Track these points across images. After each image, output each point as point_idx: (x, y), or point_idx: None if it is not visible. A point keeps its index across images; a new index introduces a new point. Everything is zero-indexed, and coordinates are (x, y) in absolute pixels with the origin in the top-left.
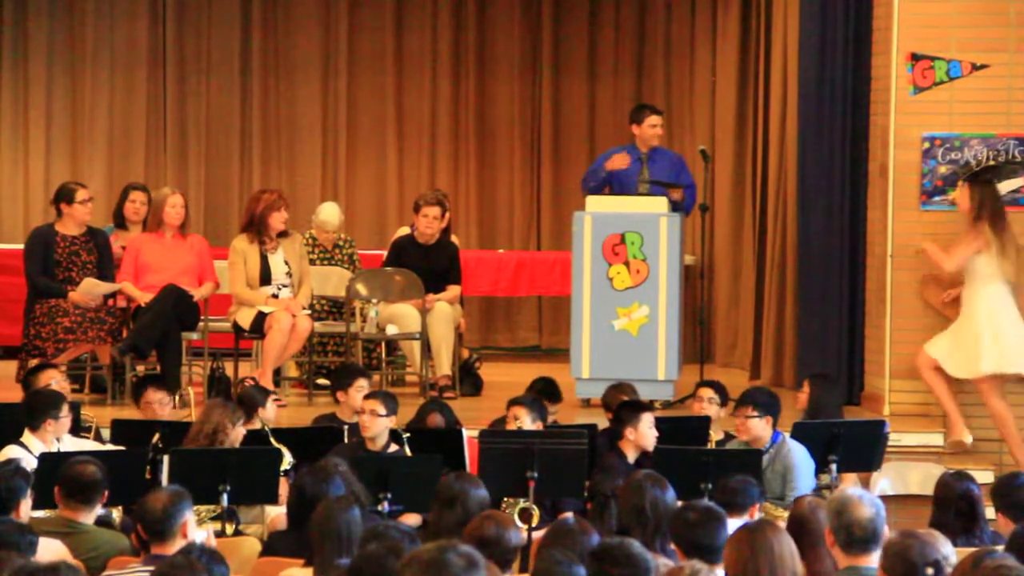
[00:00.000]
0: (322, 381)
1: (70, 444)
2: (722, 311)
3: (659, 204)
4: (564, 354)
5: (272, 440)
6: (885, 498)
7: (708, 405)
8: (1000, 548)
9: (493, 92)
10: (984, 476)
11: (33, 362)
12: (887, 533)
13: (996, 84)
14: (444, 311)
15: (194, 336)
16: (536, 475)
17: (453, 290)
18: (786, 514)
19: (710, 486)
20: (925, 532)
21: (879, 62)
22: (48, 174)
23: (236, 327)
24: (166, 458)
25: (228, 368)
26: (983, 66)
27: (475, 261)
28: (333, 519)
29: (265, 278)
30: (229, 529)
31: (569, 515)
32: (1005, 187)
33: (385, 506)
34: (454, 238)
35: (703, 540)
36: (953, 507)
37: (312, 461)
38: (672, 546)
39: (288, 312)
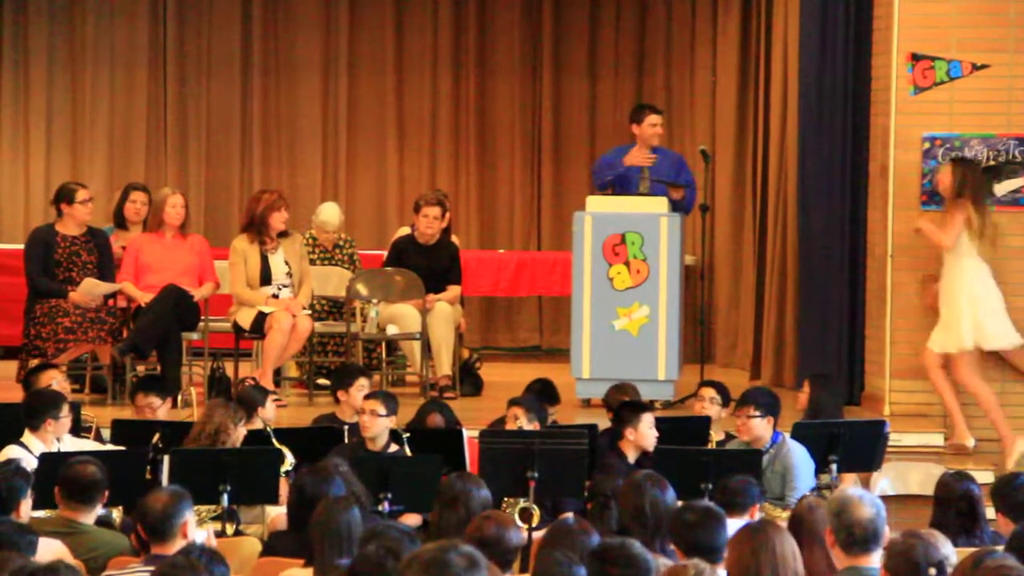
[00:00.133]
0: (322, 381)
1: (70, 444)
2: (722, 311)
3: (659, 204)
4: (564, 354)
5: (274, 441)
6: (885, 498)
7: (709, 405)
8: (1000, 548)
9: (493, 92)
10: (984, 476)
11: (33, 362)
12: (887, 533)
13: (996, 84)
14: (444, 311)
15: (194, 336)
16: (536, 475)
17: (453, 290)
18: (786, 515)
19: (710, 486)
20: (927, 532)
21: (879, 62)
22: (48, 174)
23: (236, 327)
24: (166, 458)
25: (228, 368)
26: (983, 66)
27: (475, 261)
28: (333, 519)
29: (265, 278)
30: (229, 529)
31: (569, 515)
32: (1005, 187)
33: (385, 506)
34: (454, 238)
35: (702, 540)
36: (953, 507)
37: (312, 461)
38: (672, 546)
39: (288, 312)
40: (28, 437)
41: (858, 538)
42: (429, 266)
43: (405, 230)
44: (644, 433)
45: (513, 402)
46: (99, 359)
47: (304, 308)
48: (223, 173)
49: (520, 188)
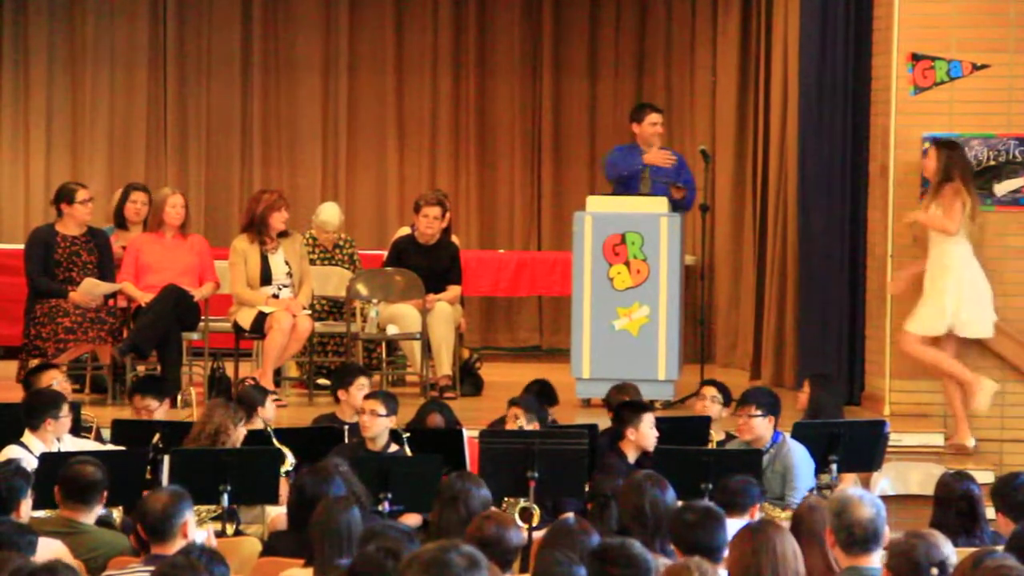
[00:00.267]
0: (322, 381)
1: (70, 444)
2: (722, 311)
3: (659, 204)
4: (564, 354)
5: (274, 441)
6: (885, 498)
7: (711, 404)
8: (1000, 548)
9: (493, 92)
10: (984, 476)
11: (34, 362)
12: (888, 533)
13: (996, 84)
14: (444, 311)
15: (194, 336)
16: (536, 475)
17: (453, 290)
18: (786, 515)
19: (710, 486)
20: (928, 532)
21: (879, 62)
22: (48, 174)
23: (236, 327)
24: (166, 458)
25: (228, 368)
26: (983, 66)
27: (475, 261)
28: (333, 519)
29: (265, 278)
30: (229, 529)
31: (569, 515)
32: (1005, 187)
33: (385, 506)
34: (454, 238)
35: (702, 540)
36: (953, 507)
37: (312, 461)
38: (672, 546)
39: (288, 312)
40: (28, 437)
41: (858, 538)
42: (429, 266)
43: (405, 230)
44: (645, 433)
45: (513, 402)
46: (99, 359)
47: (304, 308)
48: (223, 173)
49: (520, 188)
